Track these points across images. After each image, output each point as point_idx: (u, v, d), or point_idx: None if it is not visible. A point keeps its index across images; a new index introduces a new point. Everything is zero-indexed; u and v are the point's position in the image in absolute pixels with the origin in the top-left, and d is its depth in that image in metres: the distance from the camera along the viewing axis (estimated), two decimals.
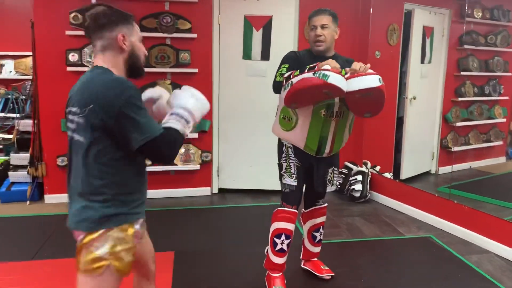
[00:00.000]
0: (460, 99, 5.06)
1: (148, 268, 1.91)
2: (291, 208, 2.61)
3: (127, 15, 1.64)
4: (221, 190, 4.73)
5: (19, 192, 4.29)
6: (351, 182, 4.53)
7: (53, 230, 3.58)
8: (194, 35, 4.29)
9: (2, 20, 4.96)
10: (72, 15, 4.05)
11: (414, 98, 4.86)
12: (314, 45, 2.55)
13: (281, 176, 2.65)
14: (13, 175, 4.37)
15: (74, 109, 1.54)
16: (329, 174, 2.71)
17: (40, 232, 3.55)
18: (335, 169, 2.74)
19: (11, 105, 5.06)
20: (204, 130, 4.49)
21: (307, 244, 2.90)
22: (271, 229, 2.64)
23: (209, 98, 4.45)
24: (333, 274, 2.87)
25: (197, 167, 4.49)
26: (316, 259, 2.95)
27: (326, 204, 2.87)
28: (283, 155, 2.64)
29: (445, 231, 3.68)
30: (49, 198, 4.32)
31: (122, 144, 1.52)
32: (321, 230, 2.86)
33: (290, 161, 2.61)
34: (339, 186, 4.69)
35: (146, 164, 1.69)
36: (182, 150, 4.47)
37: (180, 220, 3.94)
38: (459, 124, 5.12)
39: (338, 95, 2.28)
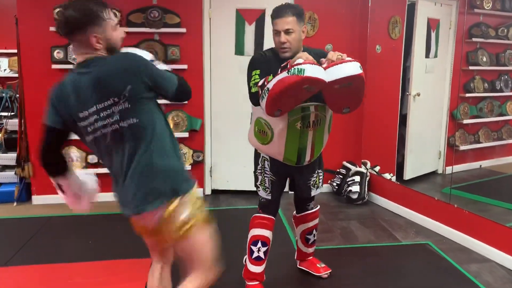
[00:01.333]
0: (468, 95, 4.77)
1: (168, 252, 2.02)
2: (268, 215, 2.56)
3: (95, 12, 1.60)
4: (214, 191, 4.57)
5: (7, 193, 4.21)
6: (349, 183, 4.32)
7: (34, 233, 3.47)
8: (183, 30, 4.13)
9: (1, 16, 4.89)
10: (56, 10, 3.91)
11: (418, 95, 4.60)
12: (279, 52, 2.34)
13: (256, 187, 2.58)
14: (0, 176, 4.29)
15: (102, 105, 1.58)
16: (313, 179, 2.60)
17: (21, 235, 3.44)
18: (319, 171, 2.63)
19: (6, 104, 5.00)
20: (195, 129, 4.33)
21: (300, 245, 2.84)
22: (249, 236, 2.58)
23: (200, 95, 4.29)
24: (330, 271, 2.81)
25: (188, 167, 4.34)
26: (311, 257, 2.88)
27: (318, 207, 2.79)
28: (259, 167, 2.54)
29: (444, 237, 3.45)
30: (36, 199, 4.23)
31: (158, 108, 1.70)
32: (314, 232, 2.80)
33: (265, 175, 2.51)
34: (336, 188, 4.48)
35: None
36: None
37: None
38: (467, 121, 4.84)
39: (320, 87, 2.07)
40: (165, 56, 4.13)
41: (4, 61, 5.27)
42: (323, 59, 2.10)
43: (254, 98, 2.26)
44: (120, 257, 3.06)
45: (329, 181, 4.58)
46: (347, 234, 3.54)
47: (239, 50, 4.25)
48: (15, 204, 4.17)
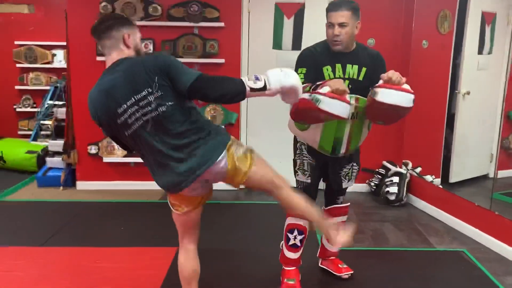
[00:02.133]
0: None
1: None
2: None
3: (128, 18, 1.95)
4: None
5: (54, 178, 4.46)
6: (387, 183, 4.16)
7: (73, 217, 3.66)
8: (222, 24, 4.15)
9: (55, 12, 5.19)
10: (102, 4, 4.08)
11: (468, 93, 4.33)
12: (331, 44, 2.31)
13: (295, 173, 2.56)
14: (50, 161, 4.55)
15: (140, 95, 1.75)
16: (346, 169, 2.55)
17: (61, 217, 3.64)
18: (354, 165, 2.58)
19: (60, 93, 5.31)
20: (231, 122, 4.35)
21: (325, 242, 2.76)
22: (285, 224, 2.60)
23: None
24: (352, 272, 2.74)
25: None
26: (334, 257, 2.81)
27: (348, 204, 2.72)
28: (297, 152, 2.54)
29: (482, 245, 3.23)
30: (80, 185, 4.45)
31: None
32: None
33: (303, 158, 2.50)
34: (374, 188, 4.33)
35: None
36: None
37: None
38: None
39: (339, 119, 2.13)
40: (204, 50, 4.17)
41: (60, 53, 5.60)
42: (383, 75, 2.09)
43: None
44: (145, 244, 3.15)
45: (367, 181, 4.43)
46: (378, 237, 3.41)
47: (277, 44, 4.21)
48: (61, 188, 4.42)
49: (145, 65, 1.76)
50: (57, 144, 4.54)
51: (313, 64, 2.31)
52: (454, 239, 3.36)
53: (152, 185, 4.51)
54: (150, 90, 1.74)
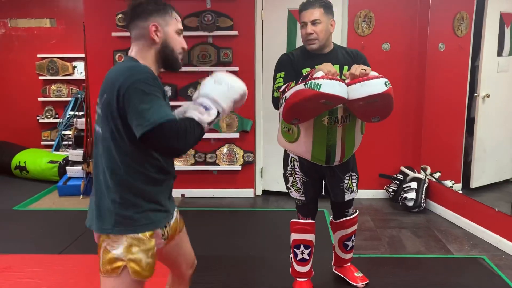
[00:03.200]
0: None
1: (180, 271, 1.87)
2: (306, 219, 2.51)
3: (166, 5, 1.58)
4: (265, 192, 4.58)
5: (74, 187, 4.55)
6: (405, 189, 4.09)
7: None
8: (235, 33, 4.19)
9: (75, 25, 5.33)
10: (119, 16, 4.17)
11: (488, 96, 4.24)
12: (306, 44, 2.30)
13: (288, 189, 2.53)
14: (70, 170, 4.66)
15: (98, 100, 1.52)
16: (346, 182, 2.47)
17: (80, 225, 3.70)
18: (353, 174, 2.50)
19: (81, 104, 5.44)
20: (246, 130, 4.37)
21: (338, 251, 2.73)
22: (291, 239, 2.57)
23: (252, 97, 4.32)
24: (367, 282, 2.69)
25: (239, 167, 4.39)
26: (349, 264, 2.77)
27: (357, 213, 2.66)
28: (289, 168, 2.47)
29: (504, 252, 3.14)
30: None
31: (131, 137, 1.44)
32: (353, 238, 2.68)
33: (296, 175, 2.44)
34: (392, 194, 4.26)
35: (165, 170, 1.59)
36: (224, 150, 4.41)
37: (215, 221, 3.88)
38: None
39: (340, 103, 2.03)
40: (218, 58, 4.21)
41: (80, 65, 5.74)
42: (346, 73, 2.05)
43: (275, 103, 2.26)
44: None
45: (385, 187, 4.37)
46: (395, 244, 3.36)
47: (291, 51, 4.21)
48: (81, 197, 4.50)
49: (111, 73, 1.48)
50: (77, 154, 4.64)
51: (291, 67, 2.27)
52: (474, 246, 3.28)
53: None
54: (98, 101, 1.51)
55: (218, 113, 1.49)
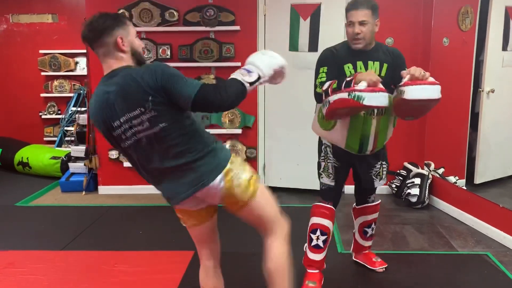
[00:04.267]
0: None
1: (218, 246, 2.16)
2: (327, 204, 2.56)
3: (119, 16, 1.76)
4: (267, 188, 4.55)
5: (77, 183, 4.55)
6: (408, 185, 4.07)
7: (93, 221, 3.72)
8: (237, 28, 4.16)
9: (77, 20, 5.31)
10: (120, 11, 4.15)
11: (492, 91, 4.20)
12: (352, 43, 2.36)
13: (319, 175, 2.60)
14: (72, 166, 4.65)
15: (133, 114, 1.64)
16: (377, 169, 2.57)
17: (82, 222, 3.71)
18: (383, 163, 2.60)
19: (84, 100, 5.43)
20: (248, 126, 4.35)
21: (357, 237, 2.82)
22: (309, 224, 2.62)
23: (254, 93, 4.29)
24: (386, 266, 2.79)
25: None
26: (368, 251, 2.86)
27: (379, 201, 2.77)
28: (322, 154, 2.57)
29: (508, 248, 3.11)
30: (102, 189, 4.52)
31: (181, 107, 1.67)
32: (373, 226, 2.78)
33: (328, 161, 2.53)
34: (395, 190, 4.24)
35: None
36: (227, 145, 4.39)
37: (217, 218, 3.85)
38: None
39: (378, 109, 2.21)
40: (220, 54, 4.19)
41: (83, 61, 5.73)
42: (404, 72, 2.13)
43: (318, 98, 2.37)
44: (163, 248, 3.17)
45: (388, 183, 4.35)
46: (398, 240, 3.34)
47: (293, 46, 4.18)
48: (83, 193, 4.50)
49: (140, 81, 1.62)
50: (79, 150, 4.63)
51: (333, 62, 2.35)
52: (478, 242, 3.26)
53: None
54: (142, 109, 1.63)
55: (259, 76, 1.73)
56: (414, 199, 3.98)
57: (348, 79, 2.13)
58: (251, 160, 4.43)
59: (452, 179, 4.07)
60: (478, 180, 4.28)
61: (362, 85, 2.01)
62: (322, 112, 2.39)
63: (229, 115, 4.33)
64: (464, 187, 4.03)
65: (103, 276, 2.80)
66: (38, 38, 5.80)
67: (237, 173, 1.76)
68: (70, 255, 3.11)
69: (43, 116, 5.92)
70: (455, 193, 3.86)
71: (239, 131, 4.31)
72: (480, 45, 4.20)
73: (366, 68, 2.33)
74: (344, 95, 2.05)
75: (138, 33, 4.13)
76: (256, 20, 4.20)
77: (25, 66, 5.84)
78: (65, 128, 5.45)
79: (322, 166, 2.55)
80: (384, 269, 2.77)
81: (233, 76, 1.70)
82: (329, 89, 2.19)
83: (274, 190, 4.50)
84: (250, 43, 4.22)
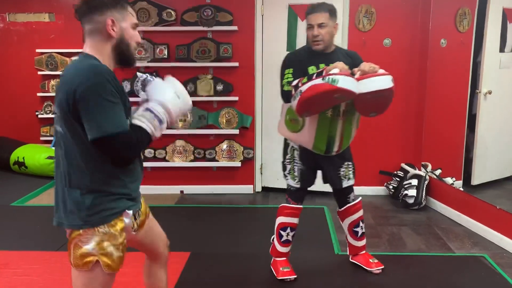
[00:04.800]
0: None
1: (159, 252, 1.94)
2: (296, 204, 2.68)
3: (113, 1, 1.53)
4: (264, 189, 4.55)
5: None
6: (405, 186, 4.06)
7: None
8: (235, 28, 4.15)
9: (74, 19, 5.27)
10: None
11: (490, 93, 4.20)
12: (312, 45, 2.47)
13: (284, 176, 2.70)
14: None
15: (55, 100, 1.49)
16: (343, 170, 2.67)
17: None
18: (349, 163, 2.69)
19: None
20: (246, 126, 4.34)
21: (350, 240, 2.86)
22: (277, 222, 2.73)
23: (252, 92, 4.29)
24: (383, 267, 2.80)
25: (238, 164, 4.36)
26: (364, 252, 2.88)
27: (359, 199, 2.80)
28: (288, 156, 2.65)
29: (505, 251, 3.11)
30: None
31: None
32: (361, 224, 2.81)
33: (295, 164, 2.62)
34: (392, 191, 4.24)
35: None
36: (224, 146, 4.38)
37: (214, 218, 3.85)
38: None
39: (350, 98, 2.22)
40: (217, 54, 4.18)
41: None
42: (355, 69, 2.24)
43: (286, 96, 2.40)
44: None
45: (385, 184, 4.34)
46: (395, 241, 3.33)
47: (291, 46, 4.17)
48: None
49: (69, 73, 1.45)
50: None
51: (298, 65, 2.44)
52: (475, 244, 3.25)
53: (167, 190, 4.55)
54: (56, 100, 1.47)
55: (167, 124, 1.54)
56: (411, 200, 3.98)
57: (319, 70, 2.20)
58: (248, 161, 4.42)
59: (449, 180, 4.07)
60: (475, 181, 4.28)
61: (335, 70, 2.09)
62: (290, 113, 2.49)
63: (227, 116, 4.32)
64: (461, 189, 4.02)
65: None
66: (35, 37, 5.75)
67: (86, 239, 1.49)
68: (65, 255, 3.04)
69: (40, 116, 5.87)
70: (452, 195, 3.86)
71: (236, 131, 4.30)
72: (478, 47, 4.20)
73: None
74: (318, 81, 2.10)
75: (139, 45, 4.19)
76: (253, 20, 4.19)
77: (21, 65, 5.79)
78: None
79: (288, 169, 2.64)
80: (380, 270, 2.79)
81: (141, 122, 1.48)
82: (299, 83, 2.22)
83: (271, 190, 4.51)
84: (248, 43, 4.22)
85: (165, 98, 1.53)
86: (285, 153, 2.66)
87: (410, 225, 3.64)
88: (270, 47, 4.24)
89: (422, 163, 4.20)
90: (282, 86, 2.42)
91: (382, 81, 2.15)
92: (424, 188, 4.01)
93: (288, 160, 2.63)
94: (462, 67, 4.23)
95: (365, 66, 2.20)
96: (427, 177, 4.08)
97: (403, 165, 4.30)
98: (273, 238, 2.79)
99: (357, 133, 4.25)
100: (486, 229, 3.35)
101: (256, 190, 4.52)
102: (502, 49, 4.25)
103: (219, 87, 4.25)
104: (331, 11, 2.42)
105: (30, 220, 3.79)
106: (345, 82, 2.07)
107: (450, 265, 2.93)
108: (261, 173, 4.51)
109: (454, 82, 4.28)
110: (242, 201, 4.28)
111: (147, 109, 1.51)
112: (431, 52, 4.05)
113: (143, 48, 4.17)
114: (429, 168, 4.18)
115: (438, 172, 4.14)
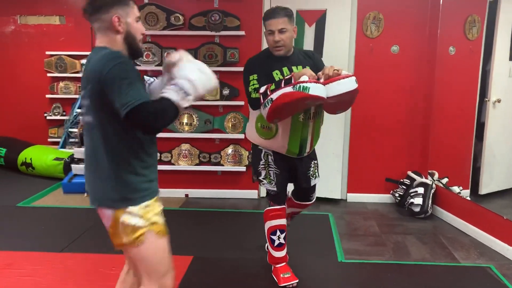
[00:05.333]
0: None
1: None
2: (279, 206, 2.72)
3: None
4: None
5: (79, 184, 4.54)
6: (411, 194, 4.02)
7: (93, 224, 3.70)
8: (242, 33, 4.15)
9: (84, 22, 5.33)
10: None
11: (499, 101, 4.16)
12: (274, 50, 2.51)
13: (260, 181, 2.71)
14: (75, 168, 4.65)
15: (82, 93, 1.64)
16: (312, 169, 2.78)
17: (81, 224, 3.69)
18: (315, 161, 2.82)
19: None
20: None
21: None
22: (266, 228, 2.74)
23: None
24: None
25: (243, 168, 4.36)
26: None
27: (313, 200, 2.95)
28: (262, 162, 2.67)
29: (511, 261, 3.06)
30: None
31: (119, 121, 1.55)
32: (293, 219, 3.11)
33: (270, 168, 2.65)
34: (398, 199, 4.20)
35: (149, 153, 1.73)
36: (229, 150, 4.38)
37: (218, 223, 3.84)
38: None
39: (320, 102, 2.32)
40: (224, 58, 4.18)
41: None
42: (320, 73, 2.30)
43: (255, 104, 2.45)
44: None
45: (391, 192, 4.31)
46: (400, 250, 3.29)
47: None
48: (85, 195, 4.49)
49: (89, 65, 1.59)
50: (82, 152, 4.60)
51: (261, 70, 2.49)
52: (481, 254, 3.21)
53: (172, 193, 4.54)
54: (83, 93, 1.63)
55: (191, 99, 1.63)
56: (417, 209, 3.94)
57: (286, 77, 2.26)
58: None
59: (456, 189, 4.03)
60: (482, 190, 4.23)
61: (304, 78, 2.17)
62: (261, 121, 2.53)
63: (232, 120, 4.32)
64: (468, 198, 3.98)
65: (101, 279, 2.78)
66: (45, 40, 5.83)
67: (129, 217, 1.64)
68: (69, 257, 3.10)
69: (48, 117, 5.93)
70: (459, 204, 3.81)
71: (242, 136, 4.29)
72: (487, 55, 4.16)
73: (291, 72, 2.43)
74: (288, 89, 2.17)
75: (144, 36, 4.19)
76: (261, 25, 4.18)
77: (31, 67, 5.87)
78: (69, 130, 5.46)
79: (264, 174, 2.66)
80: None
81: (168, 94, 1.55)
82: (268, 91, 2.28)
83: None
84: (255, 48, 4.17)
85: (189, 73, 1.61)
86: (258, 159, 2.68)
87: (416, 234, 3.60)
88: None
89: (429, 171, 4.17)
90: (249, 93, 2.45)
91: (348, 83, 2.23)
92: (431, 197, 3.97)
93: (262, 166, 2.65)
94: (471, 75, 4.20)
95: (329, 70, 2.25)
96: (434, 186, 4.04)
97: (409, 173, 4.26)
98: (267, 246, 2.79)
99: (364, 139, 4.27)
100: (492, 240, 3.30)
101: (261, 196, 4.50)
102: (511, 58, 4.21)
103: (225, 92, 4.25)
104: (289, 15, 2.46)
105: (35, 220, 3.81)
106: (316, 89, 2.16)
107: (455, 276, 2.89)
108: None
109: (463, 90, 4.24)
110: (247, 206, 4.27)
111: (172, 84, 1.60)
112: (439, 59, 4.02)
113: (151, 52, 4.19)
114: (436, 176, 4.13)
115: (445, 180, 4.10)
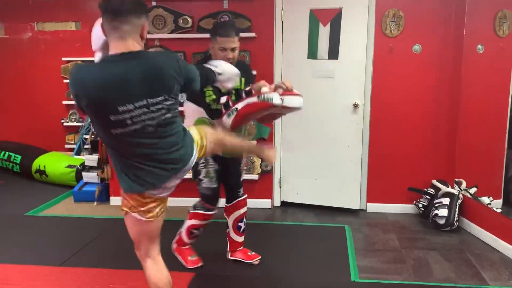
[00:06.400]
0: None
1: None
2: (212, 211, 2.91)
3: (148, 10, 1.95)
4: (283, 203, 4.31)
5: (90, 193, 4.46)
6: (436, 205, 3.71)
7: (98, 235, 3.58)
8: (253, 34, 3.95)
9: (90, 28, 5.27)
10: None
11: None
12: None
13: (200, 181, 2.84)
14: (86, 176, 4.57)
15: (154, 100, 1.69)
16: (241, 166, 3.05)
17: (85, 235, 3.57)
18: (242, 159, 3.11)
19: None
20: (264, 137, 4.12)
21: (233, 235, 3.06)
22: (188, 223, 2.96)
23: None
24: (260, 257, 3.05)
25: (256, 177, 4.15)
26: (241, 248, 3.10)
27: (246, 196, 3.07)
28: (202, 161, 2.80)
29: None
30: (113, 200, 4.41)
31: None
32: (244, 220, 3.07)
33: (209, 166, 2.82)
34: (422, 210, 3.89)
35: None
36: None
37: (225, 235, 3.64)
38: None
39: (276, 111, 2.47)
40: None
41: None
42: (277, 84, 2.40)
43: (214, 114, 2.58)
44: None
45: (414, 202, 4.00)
46: (421, 268, 3.01)
47: (312, 53, 3.94)
48: (95, 203, 4.40)
49: (168, 69, 1.72)
50: (93, 159, 4.54)
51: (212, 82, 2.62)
52: None
53: (182, 202, 4.39)
54: (166, 96, 1.72)
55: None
56: (442, 221, 3.63)
57: (246, 89, 2.43)
58: (267, 174, 4.20)
59: (485, 200, 3.68)
60: None
61: (266, 89, 2.35)
62: (199, 124, 2.55)
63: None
64: (500, 210, 3.64)
65: None
66: (62, 46, 5.80)
67: (198, 140, 1.99)
68: (66, 271, 2.97)
69: (65, 124, 5.90)
70: (489, 216, 3.48)
71: (254, 142, 4.08)
72: None
73: (240, 84, 2.63)
74: (253, 99, 2.36)
75: (151, 40, 4.05)
76: (273, 26, 3.99)
77: (48, 73, 5.85)
78: (84, 136, 5.40)
79: (204, 172, 2.81)
80: (258, 261, 3.02)
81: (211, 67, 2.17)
82: (229, 102, 2.45)
83: (290, 205, 4.26)
84: (266, 51, 4.02)
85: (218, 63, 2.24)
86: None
87: (440, 249, 3.30)
88: (291, 54, 4.02)
89: (456, 180, 3.84)
90: (208, 104, 2.58)
91: (300, 101, 2.39)
92: (457, 208, 3.65)
93: (202, 165, 2.81)
94: (502, 76, 3.85)
95: (287, 83, 2.39)
96: (461, 196, 3.71)
97: (434, 181, 3.95)
98: (181, 231, 3.00)
99: (384, 145, 3.99)
100: None
101: (275, 205, 4.29)
102: None
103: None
104: (238, 33, 2.67)
105: (38, 231, 3.72)
106: (277, 99, 2.32)
107: None
108: (280, 187, 4.27)
109: (493, 92, 3.90)
110: (259, 217, 4.05)
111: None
112: (466, 58, 3.71)
113: None
114: (463, 185, 3.81)
115: (473, 190, 3.77)
